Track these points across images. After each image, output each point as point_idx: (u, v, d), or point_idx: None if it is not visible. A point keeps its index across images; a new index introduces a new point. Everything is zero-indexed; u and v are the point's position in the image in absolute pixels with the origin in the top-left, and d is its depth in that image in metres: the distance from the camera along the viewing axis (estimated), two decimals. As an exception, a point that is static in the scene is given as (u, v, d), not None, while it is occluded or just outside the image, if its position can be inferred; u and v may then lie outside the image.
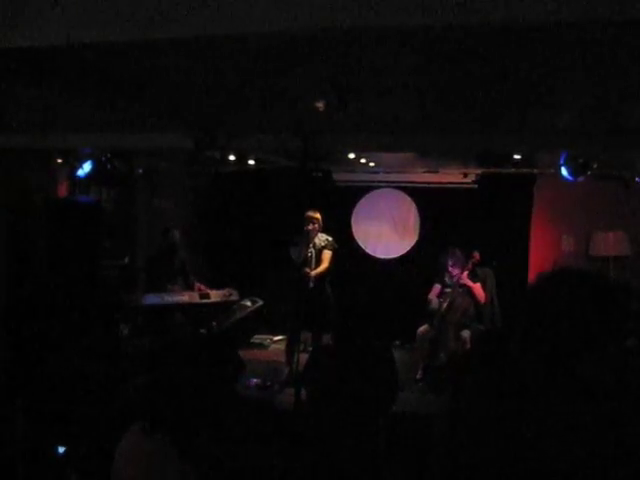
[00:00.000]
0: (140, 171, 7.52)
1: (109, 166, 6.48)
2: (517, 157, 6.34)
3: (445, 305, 6.27)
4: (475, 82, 3.27)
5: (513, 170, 6.94)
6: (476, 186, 7.87)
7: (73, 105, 4.04)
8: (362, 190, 8.36)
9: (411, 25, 2.04)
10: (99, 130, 5.15)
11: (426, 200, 8.09)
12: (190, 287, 6.91)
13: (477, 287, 6.35)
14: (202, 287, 6.90)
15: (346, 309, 3.71)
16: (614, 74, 3.00)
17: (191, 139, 4.87)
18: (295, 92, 3.53)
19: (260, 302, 7.07)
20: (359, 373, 3.47)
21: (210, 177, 8.43)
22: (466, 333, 6.09)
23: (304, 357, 4.21)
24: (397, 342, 7.53)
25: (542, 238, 7.73)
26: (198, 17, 2.11)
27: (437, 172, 7.63)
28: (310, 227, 6.14)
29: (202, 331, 6.30)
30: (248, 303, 7.02)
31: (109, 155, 6.43)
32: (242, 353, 5.95)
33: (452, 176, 7.78)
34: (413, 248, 8.20)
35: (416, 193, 8.16)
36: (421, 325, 6.40)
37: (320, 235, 6.22)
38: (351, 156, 6.57)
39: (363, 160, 7.09)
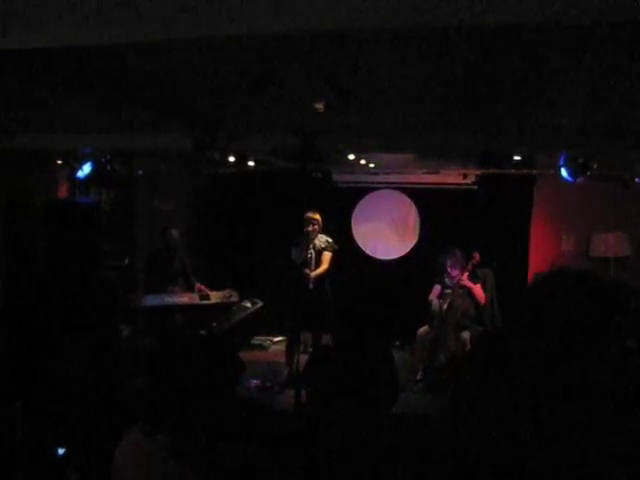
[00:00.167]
0: (140, 172, 7.51)
1: (109, 167, 6.46)
2: (517, 158, 6.35)
3: (445, 306, 6.27)
4: (475, 83, 3.27)
5: (513, 171, 6.93)
6: (476, 187, 7.86)
7: (73, 106, 4.04)
8: (362, 191, 8.36)
9: (411, 25, 2.04)
10: (99, 131, 5.15)
11: (426, 201, 8.08)
12: (191, 288, 6.92)
13: (477, 288, 6.34)
14: (203, 288, 6.90)
15: (346, 310, 3.71)
16: (614, 74, 3.00)
17: (191, 140, 4.87)
18: (295, 93, 3.53)
19: (260, 303, 7.08)
20: (359, 374, 3.46)
21: (210, 178, 8.43)
22: (466, 334, 6.09)
23: (304, 358, 4.20)
24: (397, 343, 7.51)
25: (542, 239, 7.73)
26: (198, 17, 2.11)
27: (437, 173, 7.62)
28: (310, 228, 6.14)
29: (202, 332, 6.29)
30: (248, 304, 7.03)
31: (109, 156, 6.42)
32: (242, 354, 5.87)
33: (452, 177, 7.78)
34: (413, 249, 8.19)
35: (416, 194, 8.15)
36: (421, 326, 6.40)
37: (320, 236, 6.22)
38: (351, 157, 6.56)
39: (363, 161, 7.08)
